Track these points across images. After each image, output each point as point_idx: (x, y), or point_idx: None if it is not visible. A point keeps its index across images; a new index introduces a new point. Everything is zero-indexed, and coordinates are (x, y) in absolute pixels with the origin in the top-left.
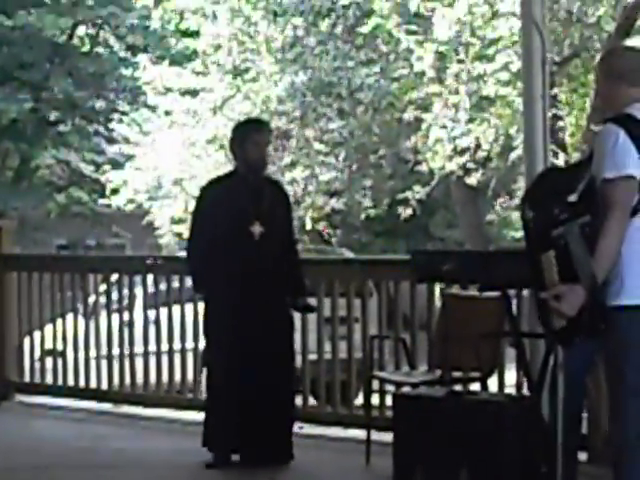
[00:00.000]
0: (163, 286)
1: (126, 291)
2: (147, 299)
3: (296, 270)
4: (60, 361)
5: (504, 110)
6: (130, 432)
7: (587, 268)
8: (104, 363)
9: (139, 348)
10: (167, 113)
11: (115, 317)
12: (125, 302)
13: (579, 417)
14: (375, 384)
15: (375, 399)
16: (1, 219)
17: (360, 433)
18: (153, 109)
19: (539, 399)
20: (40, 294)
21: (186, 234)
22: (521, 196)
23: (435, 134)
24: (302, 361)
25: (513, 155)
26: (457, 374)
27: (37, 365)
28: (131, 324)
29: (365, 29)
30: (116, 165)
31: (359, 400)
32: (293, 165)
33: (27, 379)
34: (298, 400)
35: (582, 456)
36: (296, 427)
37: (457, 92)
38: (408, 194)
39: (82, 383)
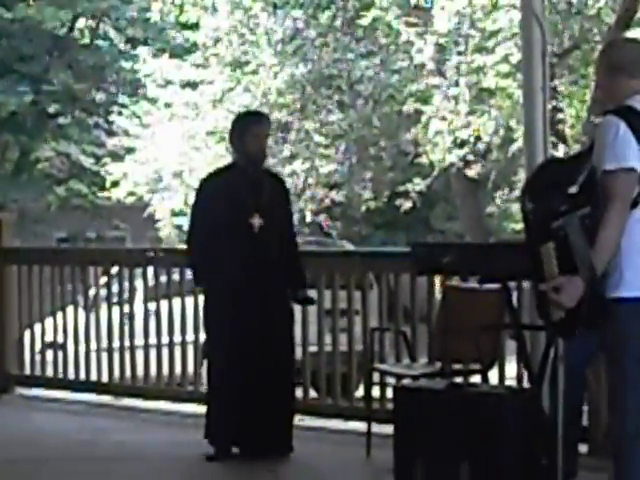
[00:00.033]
0: (163, 278)
1: (126, 284)
2: (147, 292)
3: (296, 262)
4: (60, 354)
5: (504, 102)
6: (130, 425)
7: (586, 260)
8: (104, 356)
9: (139, 341)
10: (167, 105)
11: (115, 310)
12: (125, 295)
13: (579, 409)
14: (376, 376)
15: (376, 391)
16: (1, 212)
17: (361, 425)
18: (153, 102)
19: (539, 391)
20: (40, 287)
21: (186, 227)
22: (521, 187)
23: (435, 126)
24: (303, 353)
25: (513, 147)
26: (457, 366)
27: (37, 358)
28: (131, 317)
29: (365, 21)
30: (116, 158)
31: (360, 392)
32: (293, 157)
33: (27, 372)
34: (299, 392)
35: (582, 448)
36: (297, 419)
37: (457, 84)
38: (408, 186)
39: (82, 376)
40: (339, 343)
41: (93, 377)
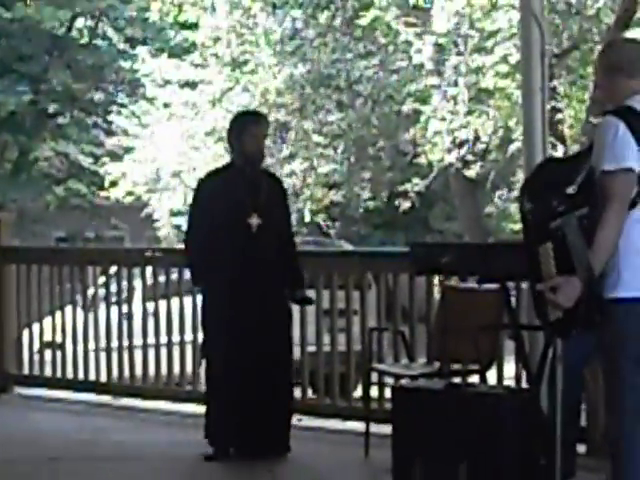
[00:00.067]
0: (162, 278)
1: (125, 283)
2: (146, 291)
3: (294, 262)
4: (59, 353)
5: (503, 102)
6: (129, 424)
7: (584, 260)
8: (103, 355)
9: (138, 340)
10: (166, 105)
11: (114, 309)
12: (124, 294)
13: (578, 409)
14: (374, 376)
15: (374, 391)
16: (0, 211)
17: (359, 425)
18: (152, 101)
19: (538, 391)
20: (39, 286)
21: (184, 226)
22: (520, 187)
23: (434, 126)
24: (301, 353)
25: (512, 147)
26: (456, 366)
27: (36, 357)
28: (130, 316)
29: (364, 21)
30: (115, 157)
31: (358, 392)
32: (292, 157)
33: (26, 371)
34: (297, 392)
35: (581, 448)
36: (295, 419)
37: (456, 84)
38: (407, 186)
39: (81, 375)
40: (337, 343)
41: (92, 377)
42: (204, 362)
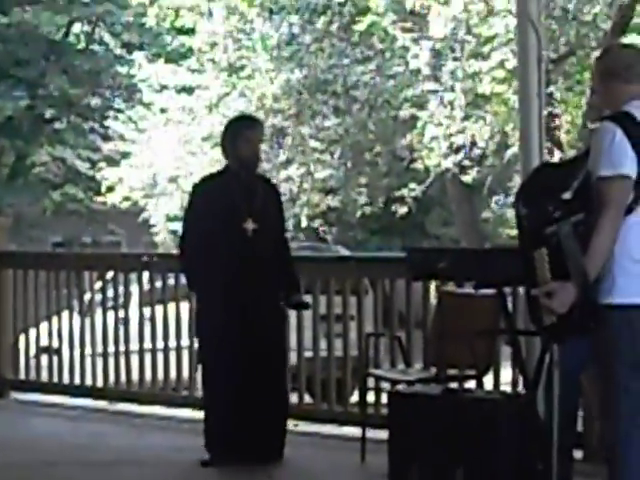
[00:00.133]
0: (159, 283)
1: (122, 288)
2: (143, 296)
3: (289, 267)
4: (55, 358)
5: (500, 108)
6: (125, 430)
7: (579, 266)
8: (99, 360)
9: (134, 345)
10: (163, 110)
11: (111, 314)
12: (121, 300)
13: (574, 415)
14: (371, 382)
15: (371, 397)
16: None
17: (355, 431)
18: (148, 106)
19: (534, 397)
20: (36, 291)
21: (180, 232)
22: (515, 192)
23: (431, 132)
24: (298, 358)
25: (509, 153)
26: (453, 372)
27: (32, 362)
28: (126, 321)
29: (361, 27)
30: (112, 162)
31: (354, 398)
32: (289, 162)
33: (22, 376)
34: (294, 398)
35: (577, 454)
36: (291, 425)
37: (453, 90)
38: (404, 192)
39: (77, 380)
40: (334, 348)
41: (88, 382)
42: (200, 368)
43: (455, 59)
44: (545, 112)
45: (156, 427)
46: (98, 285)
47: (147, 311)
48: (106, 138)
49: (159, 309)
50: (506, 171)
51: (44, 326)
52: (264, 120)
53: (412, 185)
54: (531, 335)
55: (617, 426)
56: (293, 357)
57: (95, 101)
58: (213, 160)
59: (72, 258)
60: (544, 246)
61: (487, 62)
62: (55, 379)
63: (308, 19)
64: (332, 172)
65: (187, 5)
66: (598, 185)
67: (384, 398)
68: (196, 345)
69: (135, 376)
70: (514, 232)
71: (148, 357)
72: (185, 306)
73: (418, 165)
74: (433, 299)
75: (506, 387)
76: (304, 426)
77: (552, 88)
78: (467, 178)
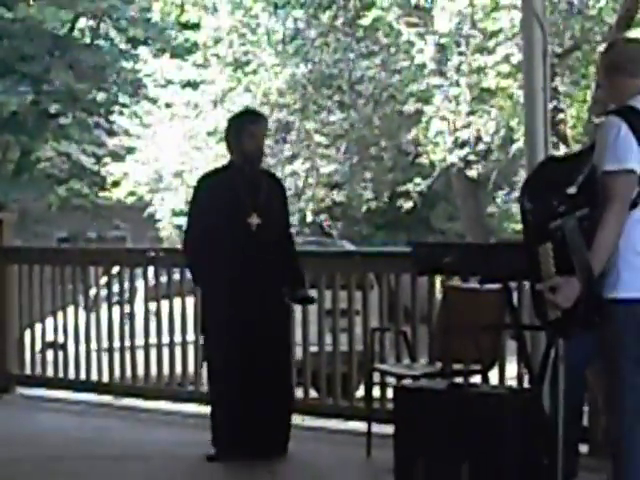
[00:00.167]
0: (164, 278)
1: (127, 284)
2: (148, 291)
3: (293, 262)
4: (61, 354)
5: (505, 102)
6: (131, 424)
7: (584, 260)
8: (105, 356)
9: (140, 341)
10: (168, 105)
11: (116, 310)
12: (126, 295)
13: (580, 409)
14: (376, 376)
15: (376, 392)
16: (2, 212)
17: (361, 425)
18: (154, 101)
19: (540, 391)
20: (41, 287)
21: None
22: (520, 186)
23: (436, 126)
24: (303, 353)
25: (514, 147)
26: (458, 366)
27: (38, 358)
28: (132, 316)
29: (366, 21)
30: (117, 157)
31: (360, 392)
32: (294, 157)
33: (28, 372)
34: (299, 392)
35: (583, 448)
36: (297, 419)
37: (458, 84)
38: (409, 186)
39: (83, 376)
40: (339, 343)
41: (94, 377)
42: (205, 363)
43: (460, 54)
44: (550, 106)
45: (162, 422)
46: (103, 280)
47: (152, 306)
48: (111, 133)
49: (165, 304)
50: (511, 166)
51: (49, 321)
52: (269, 115)
53: (417, 180)
54: (536, 330)
55: (622, 421)
56: (298, 352)
57: (100, 96)
58: (218, 155)
59: (77, 253)
60: (549, 241)
61: (492, 56)
62: (61, 374)
63: (313, 14)
64: (337, 167)
65: (192, 0)
66: (603, 179)
67: (390, 393)
68: (201, 340)
69: (141, 371)
70: (519, 227)
71: (154, 352)
72: (191, 301)
73: (423, 160)
74: (438, 294)
75: (511, 382)
76: (309, 421)
77: (557, 82)
78: (472, 173)
